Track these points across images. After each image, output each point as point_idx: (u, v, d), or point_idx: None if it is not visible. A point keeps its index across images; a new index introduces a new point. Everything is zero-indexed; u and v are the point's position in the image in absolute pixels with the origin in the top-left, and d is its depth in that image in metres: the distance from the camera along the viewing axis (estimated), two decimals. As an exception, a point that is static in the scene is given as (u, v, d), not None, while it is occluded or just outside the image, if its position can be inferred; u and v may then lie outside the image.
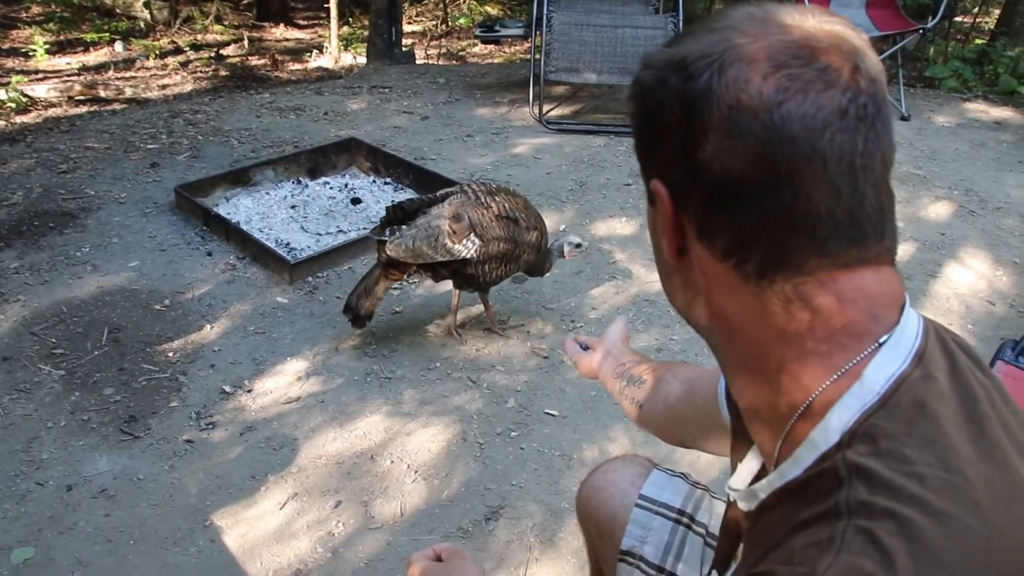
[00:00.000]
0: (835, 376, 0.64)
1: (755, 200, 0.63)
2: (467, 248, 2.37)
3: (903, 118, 4.51)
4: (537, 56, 4.29)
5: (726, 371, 0.76)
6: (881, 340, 0.65)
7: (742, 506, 0.76)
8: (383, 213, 2.47)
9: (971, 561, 0.56)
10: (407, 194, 3.56)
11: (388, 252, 2.36)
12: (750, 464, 0.81)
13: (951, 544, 0.56)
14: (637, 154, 0.72)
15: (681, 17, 4.20)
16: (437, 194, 2.49)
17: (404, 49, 5.95)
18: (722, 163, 0.63)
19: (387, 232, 2.37)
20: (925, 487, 0.58)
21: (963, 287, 3.01)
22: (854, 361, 0.64)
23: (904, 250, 3.20)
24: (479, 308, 2.72)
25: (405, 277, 2.58)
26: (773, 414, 0.69)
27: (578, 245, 2.57)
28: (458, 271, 2.43)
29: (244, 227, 3.20)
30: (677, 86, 0.65)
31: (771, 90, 0.61)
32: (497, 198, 2.44)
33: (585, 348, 1.35)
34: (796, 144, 0.61)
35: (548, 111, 4.32)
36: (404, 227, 2.37)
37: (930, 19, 4.44)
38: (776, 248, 0.64)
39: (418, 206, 2.44)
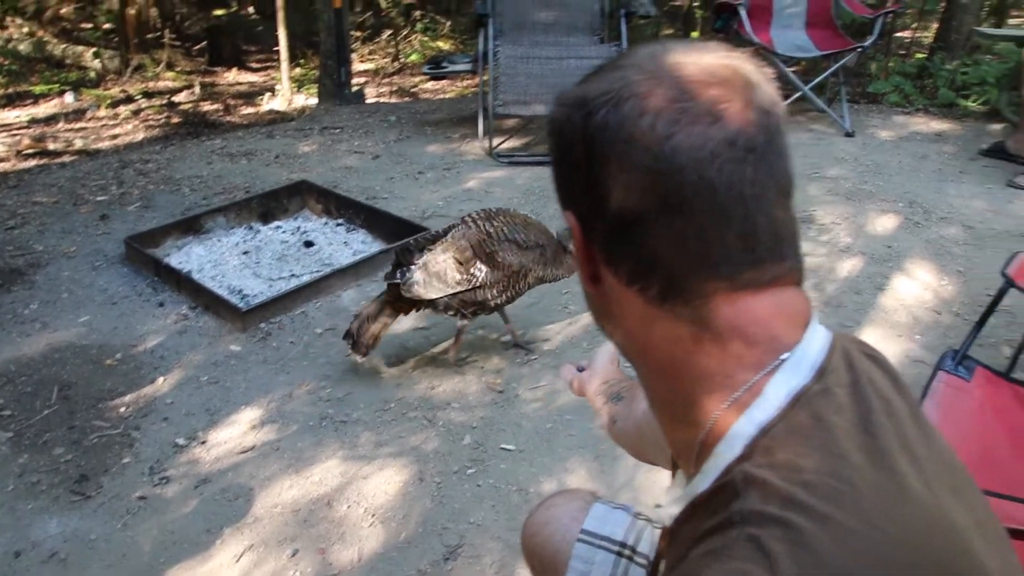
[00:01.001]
0: (738, 394, 0.67)
1: (651, 229, 0.67)
2: (475, 276, 2.45)
3: (848, 134, 4.59)
4: (485, 90, 4.33)
5: (647, 394, 0.79)
6: (783, 357, 0.67)
7: (666, 525, 0.78)
8: (393, 258, 2.56)
9: (853, 562, 0.57)
10: (360, 235, 3.56)
11: (404, 294, 2.44)
12: (677, 484, 0.84)
13: (834, 547, 0.58)
14: (555, 187, 0.75)
15: (625, 46, 4.26)
16: (441, 230, 2.57)
17: (355, 89, 5.98)
18: (619, 195, 0.67)
19: (398, 274, 2.45)
20: (813, 494, 0.60)
21: (910, 298, 3.06)
22: (755, 379, 0.67)
23: (853, 264, 3.26)
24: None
25: (413, 311, 2.62)
26: (688, 433, 0.71)
27: None
28: (468, 300, 2.49)
29: (196, 276, 3.19)
30: (579, 122, 0.69)
31: (662, 124, 0.64)
32: (495, 222, 2.50)
33: (581, 370, 1.37)
34: (685, 175, 0.64)
35: (499, 144, 4.35)
36: (413, 267, 2.44)
37: (868, 38, 4.53)
38: (674, 274, 0.68)
39: (423, 245, 2.51)
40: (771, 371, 0.67)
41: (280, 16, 6.93)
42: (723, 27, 4.82)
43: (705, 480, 0.69)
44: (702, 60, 0.68)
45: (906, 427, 0.69)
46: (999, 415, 1.91)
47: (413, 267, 2.45)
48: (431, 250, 2.48)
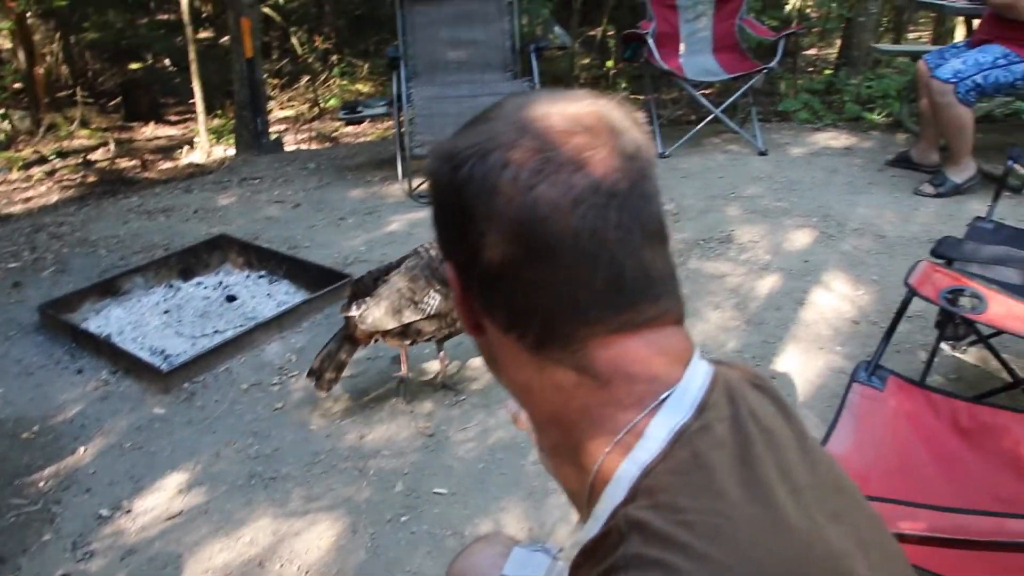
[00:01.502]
0: (621, 435, 0.68)
1: (520, 279, 0.68)
2: (429, 305, 2.47)
3: (761, 153, 4.71)
4: (402, 132, 4.34)
5: (537, 438, 0.79)
6: (664, 396, 0.68)
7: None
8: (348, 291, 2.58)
9: None
10: (283, 286, 3.52)
11: (361, 327, 2.46)
12: (577, 528, 0.85)
13: None
14: (436, 237, 0.77)
15: (536, 79, 4.32)
16: (394, 261, 2.61)
17: (273, 137, 5.94)
18: (488, 246, 0.68)
19: (354, 308, 2.47)
20: (693, 533, 0.61)
21: (829, 311, 3.13)
22: (637, 419, 0.68)
23: (772, 281, 3.33)
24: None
25: (372, 342, 2.62)
26: (579, 477, 0.72)
27: None
28: (422, 329, 2.52)
29: (116, 339, 3.12)
30: (449, 176, 0.71)
31: (525, 175, 0.66)
32: None
33: None
34: (549, 224, 0.66)
35: (419, 185, 4.36)
36: (369, 299, 2.47)
37: (772, 59, 4.67)
38: (547, 321, 0.69)
39: (377, 276, 2.55)
40: (652, 411, 0.69)
41: (193, 68, 6.87)
42: (632, 56, 4.92)
43: (595, 525, 0.69)
44: (567, 109, 0.70)
45: (788, 456, 0.70)
46: (913, 422, 1.97)
47: (368, 299, 2.48)
48: (385, 281, 2.52)
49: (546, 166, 0.66)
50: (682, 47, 5.06)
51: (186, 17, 7.15)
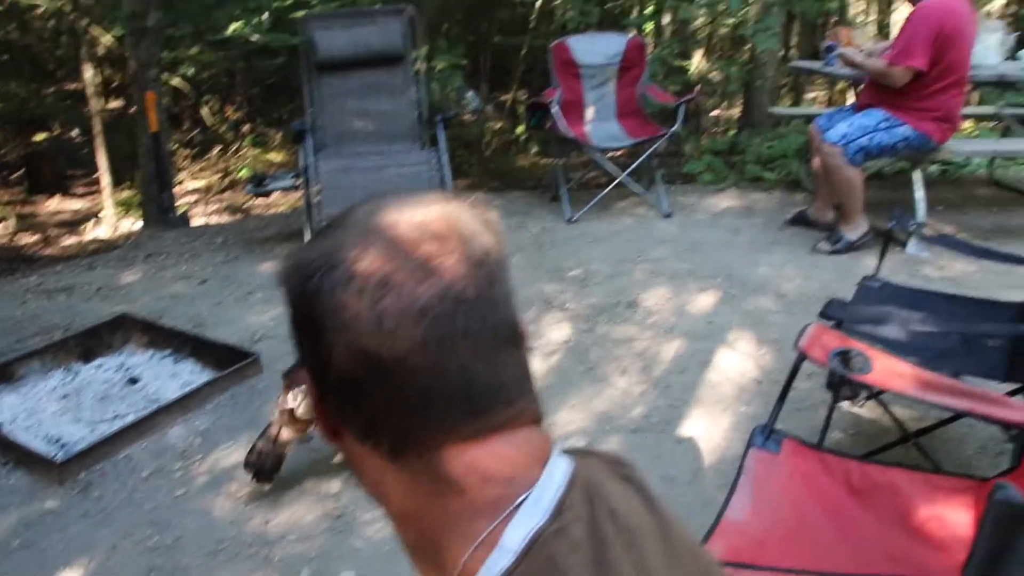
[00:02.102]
0: (478, 542, 0.68)
1: (370, 389, 0.68)
2: None
3: (667, 215, 4.83)
4: (311, 204, 4.33)
5: (401, 538, 0.79)
6: (519, 500, 0.68)
7: None
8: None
9: None
10: (188, 366, 3.44)
11: (299, 417, 2.43)
12: None
13: None
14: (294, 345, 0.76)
15: (443, 150, 4.36)
16: None
17: (182, 211, 5.86)
18: (338, 358, 0.68)
19: (290, 398, 2.44)
20: None
21: (733, 371, 3.19)
22: (494, 525, 0.68)
23: (678, 344, 3.39)
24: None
25: (309, 429, 2.55)
26: None
27: None
28: None
29: (7, 429, 2.99)
30: (299, 287, 0.70)
31: (371, 287, 0.66)
32: None
33: None
34: (395, 336, 0.66)
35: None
36: (305, 388, 2.42)
37: (674, 124, 4.81)
38: (401, 430, 0.69)
39: None
40: (508, 515, 0.69)
41: (99, 140, 6.76)
42: (538, 124, 5.03)
43: None
44: (416, 217, 0.71)
45: (648, 554, 0.71)
46: (808, 484, 2.01)
47: (302, 389, 2.44)
48: None
49: (392, 277, 0.66)
50: (587, 114, 5.19)
51: (90, 89, 7.05)
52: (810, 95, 9.90)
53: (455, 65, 7.14)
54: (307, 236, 4.39)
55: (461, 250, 0.69)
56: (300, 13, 5.99)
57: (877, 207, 4.65)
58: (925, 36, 3.87)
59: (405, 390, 0.67)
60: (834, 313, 2.27)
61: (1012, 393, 2.39)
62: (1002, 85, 5.84)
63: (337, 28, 4.86)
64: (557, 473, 0.72)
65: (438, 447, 0.69)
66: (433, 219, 0.71)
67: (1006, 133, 5.68)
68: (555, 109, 4.74)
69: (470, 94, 8.47)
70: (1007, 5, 10.46)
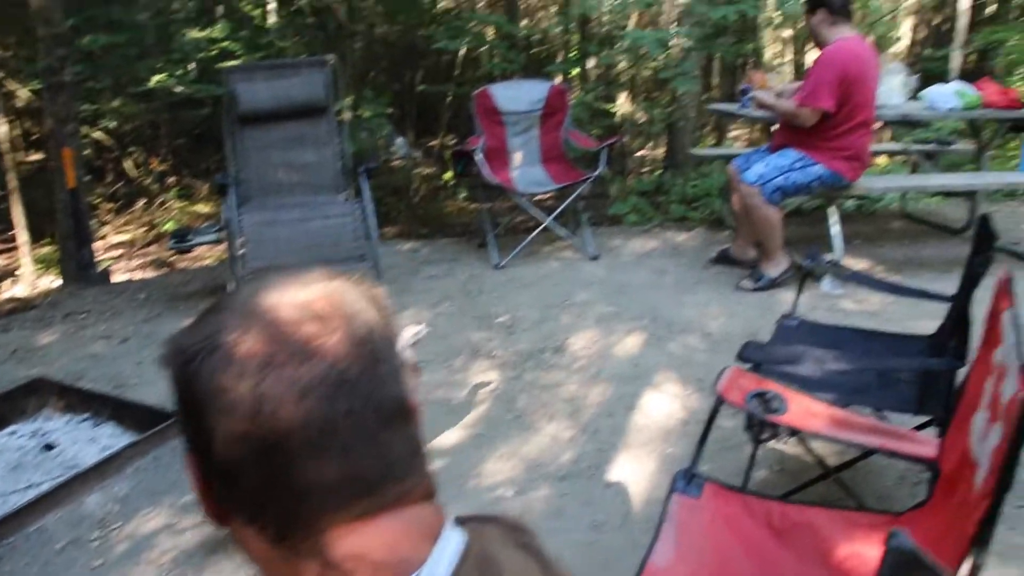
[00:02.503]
0: None
1: (253, 473, 0.67)
2: None
3: (593, 258, 4.89)
4: (235, 258, 4.27)
5: None
6: None
7: None
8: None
9: None
10: (107, 429, 3.34)
11: None
12: None
13: None
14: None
15: (367, 200, 4.35)
16: None
17: (105, 267, 5.73)
18: (219, 443, 0.67)
19: None
20: None
21: (660, 413, 3.22)
22: None
23: (604, 388, 3.41)
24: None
25: None
26: None
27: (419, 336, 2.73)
28: None
29: (-89, 508, 2.86)
30: (178, 370, 0.69)
31: (251, 371, 0.66)
32: None
33: None
34: (277, 419, 0.65)
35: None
36: None
37: (596, 168, 4.89)
38: (285, 513, 0.68)
39: None
40: None
41: (15, 196, 6.59)
42: (463, 172, 5.06)
43: None
44: (298, 296, 0.70)
45: None
46: (731, 528, 2.02)
47: None
48: None
49: (273, 359, 0.66)
50: (512, 160, 5.25)
51: (5, 144, 6.89)
52: (733, 133, 10.15)
53: (381, 113, 7.17)
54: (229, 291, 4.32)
55: (344, 329, 0.69)
56: (227, 63, 5.99)
57: (797, 243, 4.76)
58: (831, 79, 4.03)
59: (288, 473, 0.66)
60: (751, 355, 2.31)
61: (924, 425, 2.46)
62: (907, 124, 6.08)
63: (259, 80, 4.85)
64: (448, 549, 0.71)
65: (324, 529, 0.68)
66: (315, 298, 0.70)
67: (915, 169, 5.90)
68: (479, 157, 4.78)
69: (399, 140, 8.49)
70: (911, 47, 10.94)
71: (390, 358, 0.72)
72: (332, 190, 4.75)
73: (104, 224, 8.48)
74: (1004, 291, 1.72)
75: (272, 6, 8.39)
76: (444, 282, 4.69)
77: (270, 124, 4.79)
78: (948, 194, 6.06)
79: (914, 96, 5.09)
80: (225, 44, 7.26)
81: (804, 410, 2.11)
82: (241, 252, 4.17)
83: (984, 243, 2.42)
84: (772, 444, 2.89)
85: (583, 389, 3.40)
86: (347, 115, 7.20)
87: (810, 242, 5.11)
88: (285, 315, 0.68)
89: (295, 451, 0.66)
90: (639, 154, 9.48)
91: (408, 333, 2.75)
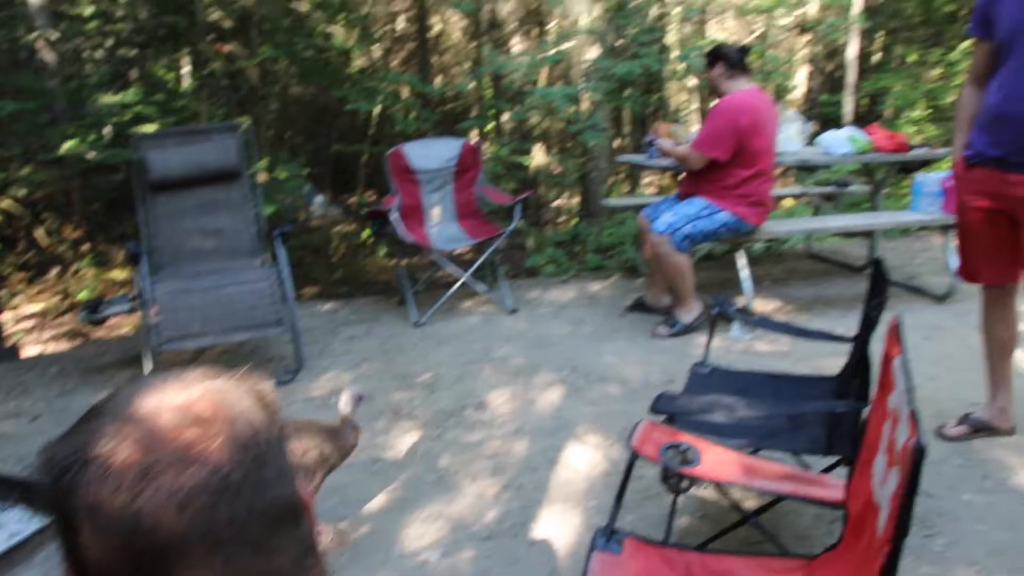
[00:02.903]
0: None
1: None
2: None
3: (512, 311, 4.93)
4: (149, 328, 4.19)
5: None
6: None
7: None
8: None
9: None
10: (15, 514, 3.22)
11: None
12: None
13: None
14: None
15: (283, 264, 4.33)
16: None
17: (13, 341, 5.55)
18: (95, 557, 0.65)
19: None
20: None
21: (583, 465, 3.25)
22: None
23: (527, 442, 3.43)
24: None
25: None
26: None
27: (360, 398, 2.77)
28: None
29: None
30: (53, 483, 0.66)
31: (128, 482, 0.63)
32: None
33: None
34: (155, 533, 0.63)
35: (171, 381, 4.18)
36: None
37: (511, 223, 4.96)
38: None
39: None
40: None
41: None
42: (378, 232, 5.08)
43: None
44: (179, 399, 0.69)
45: None
46: (650, 581, 2.05)
47: None
48: None
49: (151, 469, 0.64)
50: (427, 218, 5.29)
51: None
52: (647, 180, 10.40)
53: (298, 174, 7.16)
54: (146, 362, 4.23)
55: (226, 432, 0.67)
56: (144, 127, 5.92)
57: (710, 287, 4.90)
58: (723, 128, 4.21)
59: None
60: (664, 407, 2.36)
61: (836, 464, 2.54)
62: (806, 168, 6.33)
63: (170, 147, 4.80)
64: None
65: None
66: (196, 400, 0.69)
67: (817, 211, 6.14)
68: (394, 216, 4.81)
69: (317, 199, 8.48)
70: (807, 93, 11.43)
71: (276, 458, 0.71)
72: (248, 255, 4.71)
73: (16, 295, 8.22)
74: (894, 336, 1.81)
75: (186, 70, 8.34)
76: (364, 342, 4.67)
77: (182, 190, 4.74)
78: (848, 234, 6.31)
79: (811, 142, 5.33)
80: (139, 108, 7.17)
81: (717, 460, 2.17)
82: (154, 322, 4.09)
83: (878, 287, 2.53)
84: (693, 491, 2.95)
85: (505, 445, 3.41)
86: (263, 177, 7.17)
87: (723, 285, 5.29)
88: (164, 420, 0.67)
89: (176, 564, 0.64)
90: (556, 203, 9.63)
91: (345, 397, 2.75)
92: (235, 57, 7.23)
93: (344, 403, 2.74)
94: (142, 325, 4.45)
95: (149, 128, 6.46)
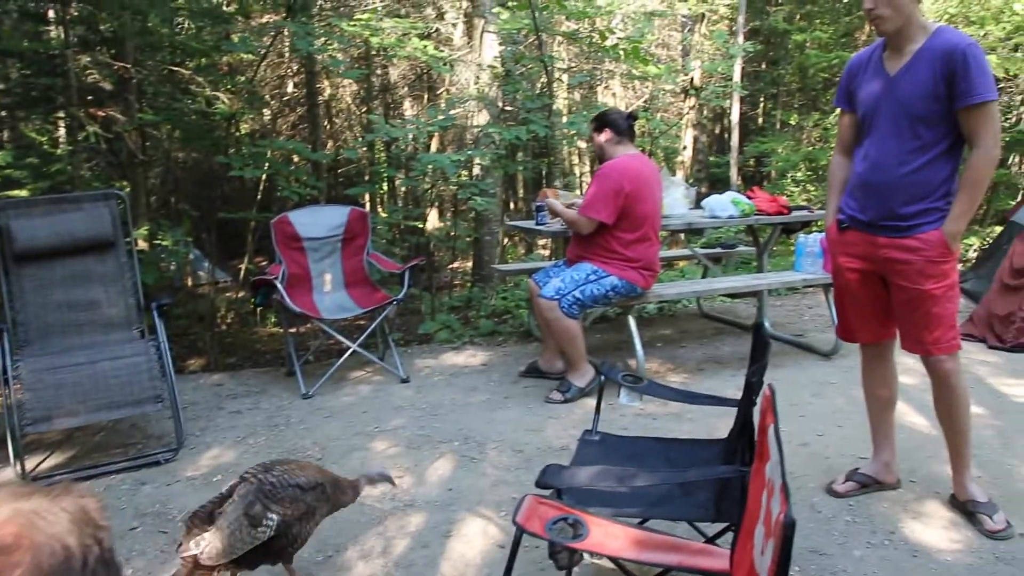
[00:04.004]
0: None
1: None
2: (269, 526, 2.50)
3: (403, 380, 4.83)
4: (14, 408, 3.92)
5: None
6: None
7: None
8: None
9: None
10: None
11: (203, 563, 2.42)
12: None
13: None
14: None
15: (162, 337, 4.14)
16: (224, 491, 2.60)
17: None
18: None
19: (192, 545, 2.43)
20: None
21: (477, 538, 3.15)
22: None
23: (419, 517, 3.31)
24: None
25: (215, 574, 2.47)
26: None
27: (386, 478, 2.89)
28: (271, 549, 2.55)
29: None
30: None
31: None
32: (274, 472, 2.62)
33: None
34: None
35: (38, 464, 3.93)
36: (207, 534, 2.45)
37: (401, 291, 4.89)
38: None
39: (211, 508, 2.54)
40: None
41: None
42: (263, 302, 4.93)
43: None
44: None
45: None
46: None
47: (205, 535, 2.45)
48: (221, 513, 2.51)
49: None
50: (315, 286, 5.17)
51: None
52: (542, 241, 10.51)
53: (182, 240, 6.94)
54: (9, 444, 3.95)
55: (31, 559, 0.62)
56: (15, 192, 5.65)
57: (604, 349, 4.91)
58: (608, 191, 4.27)
59: None
60: (550, 481, 2.30)
61: (722, 532, 2.52)
62: (692, 232, 6.49)
63: (37, 216, 4.56)
64: None
65: None
66: (3, 523, 0.64)
67: (706, 272, 6.28)
68: (280, 286, 4.68)
69: (205, 265, 8.25)
70: (695, 155, 11.86)
71: (84, 568, 0.66)
72: (124, 328, 4.48)
73: None
74: (768, 406, 1.81)
75: (61, 132, 8.05)
76: (250, 416, 4.49)
77: (51, 261, 4.49)
78: (736, 295, 6.47)
79: (697, 205, 5.46)
80: (9, 172, 6.86)
81: (605, 533, 2.12)
82: (19, 402, 3.83)
83: (759, 351, 2.55)
84: (588, 560, 2.89)
85: (397, 520, 3.29)
86: (144, 245, 6.92)
87: (617, 347, 5.32)
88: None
89: None
90: (453, 266, 9.62)
91: (377, 472, 2.90)
92: (113, 121, 7.01)
93: (373, 474, 2.87)
94: (3, 405, 4.18)
95: (21, 193, 6.18)
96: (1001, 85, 11.35)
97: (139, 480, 3.69)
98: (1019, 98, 10.81)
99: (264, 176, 7.36)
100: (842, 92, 3.12)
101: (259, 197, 8.22)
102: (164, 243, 6.98)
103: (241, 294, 8.84)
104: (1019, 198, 8.32)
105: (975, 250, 8.56)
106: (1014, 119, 10.39)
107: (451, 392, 4.67)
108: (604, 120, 4.50)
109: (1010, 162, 10.74)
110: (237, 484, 2.61)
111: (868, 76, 2.96)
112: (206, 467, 3.83)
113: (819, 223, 5.66)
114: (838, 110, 3.25)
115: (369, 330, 4.96)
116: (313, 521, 2.68)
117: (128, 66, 6.70)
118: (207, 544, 2.44)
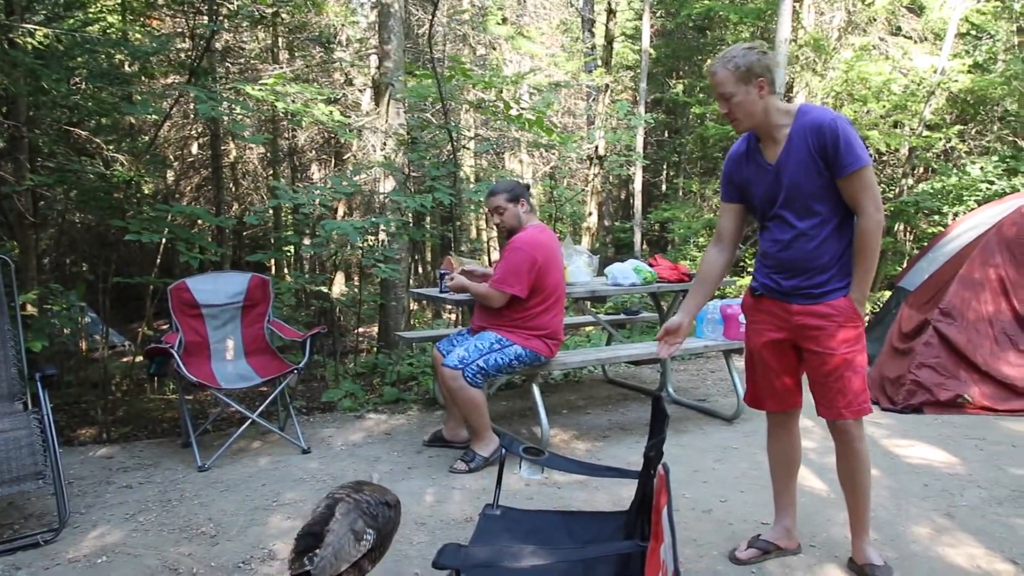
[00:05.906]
0: None
1: None
2: (368, 541, 2.61)
3: (305, 451, 4.71)
4: None
5: None
6: None
7: None
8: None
9: None
10: None
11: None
12: None
13: None
14: None
15: (46, 410, 3.95)
16: (319, 509, 2.68)
17: None
18: None
19: (306, 561, 2.48)
20: None
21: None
22: None
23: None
24: None
25: None
26: None
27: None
28: (363, 566, 2.62)
29: None
30: None
31: None
32: (365, 491, 2.77)
33: None
34: None
35: (-97, 549, 3.66)
36: (318, 551, 2.51)
37: (302, 359, 4.79)
38: None
39: (319, 529, 2.59)
40: None
41: None
42: (159, 371, 4.76)
43: None
44: None
45: None
46: None
47: (318, 551, 2.51)
48: (330, 530, 2.58)
49: None
50: (213, 355, 5.02)
51: None
52: (449, 306, 10.48)
53: (74, 304, 6.67)
54: None
55: None
56: None
57: (509, 416, 4.88)
58: (521, 265, 4.29)
59: None
60: (447, 562, 2.26)
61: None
62: (596, 299, 6.58)
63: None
64: None
65: None
66: None
67: (610, 338, 6.35)
68: (175, 355, 4.53)
69: (90, 314, 7.94)
70: (600, 221, 12.10)
71: None
72: (5, 400, 4.25)
73: None
74: (663, 486, 1.82)
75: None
76: (141, 491, 4.29)
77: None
78: (640, 361, 6.56)
79: (600, 273, 5.54)
80: None
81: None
82: None
83: (657, 424, 2.57)
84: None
85: (291, 604, 3.17)
86: (33, 310, 6.64)
87: (522, 415, 5.31)
88: None
89: None
90: (359, 331, 9.49)
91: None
92: (2, 182, 6.76)
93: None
94: None
95: None
96: (884, 158, 11.98)
97: (14, 564, 3.47)
98: (900, 171, 11.42)
99: (162, 242, 7.18)
100: (725, 184, 3.25)
101: (160, 260, 7.99)
102: (55, 308, 6.70)
103: (138, 359, 8.51)
104: (905, 264, 8.71)
105: (867, 315, 8.91)
106: (897, 191, 10.94)
107: (353, 463, 4.56)
108: (520, 192, 4.51)
109: (895, 229, 11.26)
110: (329, 503, 2.72)
111: (751, 169, 3.08)
112: (89, 548, 3.63)
113: (721, 289, 5.81)
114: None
115: (270, 399, 4.83)
116: (390, 540, 2.82)
117: (19, 124, 6.49)
118: (321, 560, 2.52)
